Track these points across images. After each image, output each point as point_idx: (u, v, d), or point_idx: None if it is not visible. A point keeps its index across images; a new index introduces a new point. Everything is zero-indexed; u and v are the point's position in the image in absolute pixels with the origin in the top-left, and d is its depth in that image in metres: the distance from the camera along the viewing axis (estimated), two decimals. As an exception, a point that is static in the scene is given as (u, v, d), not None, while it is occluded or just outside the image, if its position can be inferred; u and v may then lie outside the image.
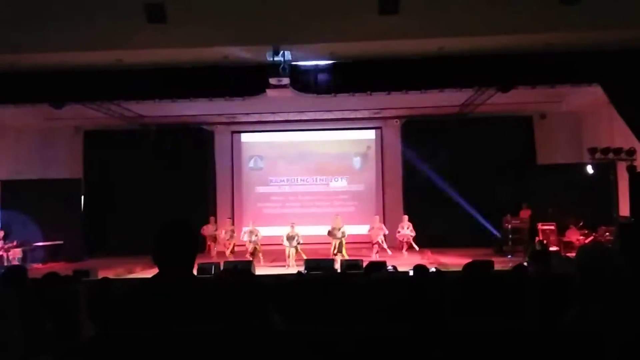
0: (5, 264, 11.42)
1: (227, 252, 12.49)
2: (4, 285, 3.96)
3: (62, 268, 10.45)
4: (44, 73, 9.50)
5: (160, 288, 2.02)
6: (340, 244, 11.99)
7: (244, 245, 12.54)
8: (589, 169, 11.66)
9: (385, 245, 12.67)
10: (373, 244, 12.66)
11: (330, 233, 12.16)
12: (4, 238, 12.39)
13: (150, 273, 2.24)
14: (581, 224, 12.03)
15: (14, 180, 13.87)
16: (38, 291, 3.82)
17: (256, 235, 12.38)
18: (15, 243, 12.40)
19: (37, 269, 11.08)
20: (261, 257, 12.25)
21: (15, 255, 12.09)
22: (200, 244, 6.45)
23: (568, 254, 10.36)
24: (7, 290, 3.65)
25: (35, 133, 15.06)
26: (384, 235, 12.72)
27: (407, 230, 12.86)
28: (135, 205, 14.45)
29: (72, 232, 13.65)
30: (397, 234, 12.96)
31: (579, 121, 14.41)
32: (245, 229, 12.77)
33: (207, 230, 13.32)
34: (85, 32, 8.31)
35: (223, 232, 13.02)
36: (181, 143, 14.83)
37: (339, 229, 12.11)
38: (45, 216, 13.09)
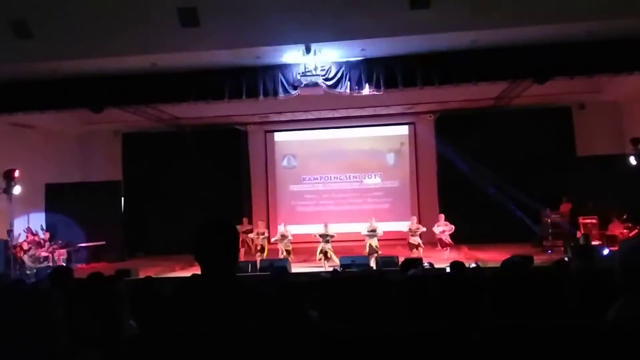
0: (51, 264, 11.81)
1: (256, 253, 12.15)
2: (51, 284, 4.10)
3: (104, 268, 10.74)
4: (83, 79, 9.81)
5: (204, 286, 2.05)
6: (373, 246, 11.64)
7: (276, 244, 12.39)
8: (632, 160, 11.33)
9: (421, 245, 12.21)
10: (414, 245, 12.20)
11: (368, 234, 11.83)
12: (50, 239, 12.81)
13: (189, 272, 2.28)
14: (624, 217, 11.71)
15: (57, 184, 14.34)
16: (83, 290, 3.94)
17: (288, 237, 12.14)
18: (60, 244, 12.80)
19: (81, 269, 11.41)
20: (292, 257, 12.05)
21: (60, 256, 12.49)
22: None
23: (611, 248, 10.07)
24: (54, 289, 3.79)
25: (76, 138, 15.54)
26: (422, 234, 12.27)
27: (442, 227, 12.42)
28: (173, 205, 14.73)
29: (113, 233, 14.02)
30: (436, 233, 12.50)
31: (619, 111, 13.99)
32: (278, 231, 12.52)
33: (242, 229, 13.31)
34: (121, 38, 8.54)
35: (256, 232, 12.89)
36: (216, 143, 15.03)
37: (374, 230, 11.80)
38: (87, 218, 13.50)
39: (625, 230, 11.43)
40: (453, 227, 12.40)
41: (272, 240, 12.47)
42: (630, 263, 1.99)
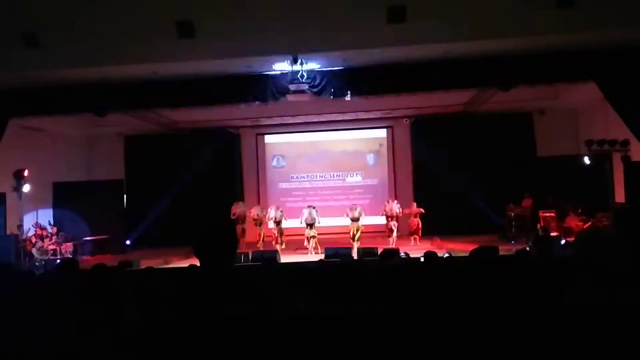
0: (59, 256, 11.67)
1: (276, 244, 12.17)
2: (59, 275, 4.05)
3: (108, 260, 10.63)
4: (88, 86, 9.69)
5: (202, 277, 2.04)
6: (358, 230, 11.97)
7: (272, 236, 12.49)
8: (586, 160, 11.47)
9: (394, 234, 12.44)
10: (389, 219, 12.44)
11: (351, 220, 12.12)
12: (57, 234, 12.65)
13: (186, 263, 2.25)
14: (580, 210, 11.86)
15: (64, 182, 14.15)
16: (88, 280, 3.90)
17: (281, 212, 12.32)
18: (67, 238, 12.65)
19: (87, 260, 11.29)
20: (283, 241, 12.25)
21: (67, 249, 12.34)
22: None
23: (568, 239, 10.21)
24: (61, 279, 3.74)
25: (82, 139, 15.35)
26: (397, 218, 12.48)
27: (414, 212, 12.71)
28: (171, 202, 14.61)
29: (116, 227, 13.88)
30: (406, 215, 12.73)
31: (575, 116, 14.18)
32: (270, 211, 12.65)
33: (237, 208, 13.13)
34: (123, 48, 8.44)
35: (253, 210, 12.95)
36: (211, 145, 14.95)
37: (358, 217, 12.10)
38: (92, 214, 13.34)
39: (580, 223, 11.58)
40: (422, 210, 12.72)
41: (267, 218, 12.55)
42: (583, 252, 2.03)
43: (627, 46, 8.54)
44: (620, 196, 10.53)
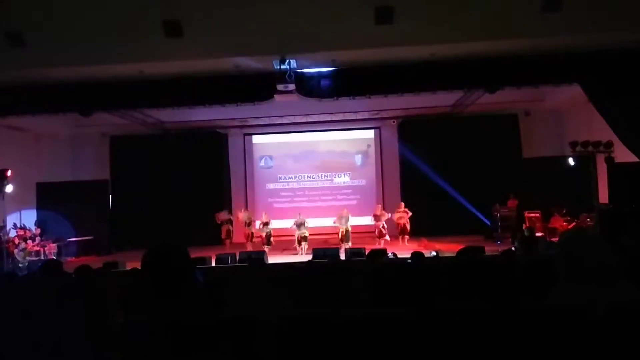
0: (43, 258, 11.51)
1: (263, 245, 12.27)
2: (43, 276, 4.00)
3: (93, 261, 10.51)
4: (73, 85, 9.57)
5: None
6: (347, 231, 12.08)
7: (260, 237, 12.58)
8: (571, 161, 11.62)
9: (385, 232, 12.65)
10: (379, 229, 12.62)
11: (337, 221, 12.32)
12: (41, 235, 12.47)
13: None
14: (564, 211, 12.00)
15: (48, 183, 13.97)
16: (72, 281, 3.85)
17: (268, 224, 12.45)
18: (51, 239, 12.48)
19: (71, 262, 11.14)
20: (272, 242, 12.37)
21: (51, 250, 12.17)
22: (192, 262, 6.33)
23: (552, 239, 10.33)
24: (45, 281, 3.69)
25: (66, 139, 15.14)
26: (386, 221, 12.71)
27: (401, 214, 12.86)
28: (157, 203, 14.49)
29: (101, 228, 13.74)
30: (395, 218, 12.89)
31: (560, 117, 14.34)
32: (258, 221, 12.89)
33: (221, 216, 13.35)
34: (110, 47, 8.35)
35: (241, 214, 13.07)
36: (198, 145, 14.87)
37: (345, 218, 12.27)
38: (76, 214, 13.19)
39: (564, 223, 11.72)
40: (410, 213, 12.85)
41: (256, 227, 12.61)
42: (568, 252, 2.05)
43: (610, 49, 8.67)
44: (604, 197, 10.68)
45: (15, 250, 11.57)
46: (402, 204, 13.25)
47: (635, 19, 7.89)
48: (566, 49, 8.75)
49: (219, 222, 13.34)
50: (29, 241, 11.98)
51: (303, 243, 11.89)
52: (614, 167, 10.25)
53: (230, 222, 13.44)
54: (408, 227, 12.82)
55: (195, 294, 1.90)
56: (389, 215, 12.74)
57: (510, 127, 14.72)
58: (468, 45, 8.49)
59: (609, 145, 10.39)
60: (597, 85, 9.29)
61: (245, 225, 12.93)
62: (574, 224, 11.48)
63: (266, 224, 12.48)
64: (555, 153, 13.11)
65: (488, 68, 9.26)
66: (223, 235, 13.41)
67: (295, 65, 8.99)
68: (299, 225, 12.12)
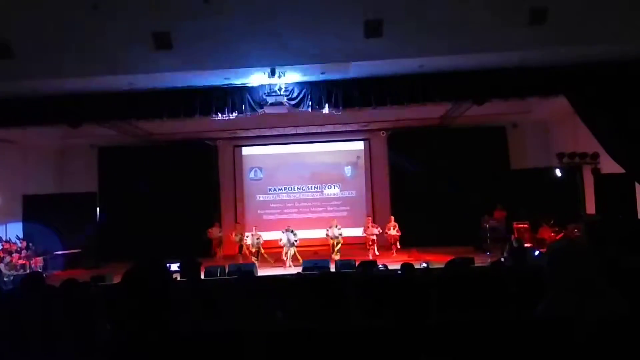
0: (29, 271, 11.31)
1: (251, 257, 12.30)
2: (23, 290, 3.92)
3: (80, 274, 10.37)
4: (62, 97, 9.49)
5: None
6: (338, 243, 12.14)
7: (250, 250, 12.54)
8: (558, 173, 11.73)
9: (375, 246, 12.72)
10: (369, 243, 12.70)
11: (327, 234, 12.42)
12: (27, 248, 12.28)
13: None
14: (552, 222, 12.08)
15: (34, 195, 13.79)
16: (58, 295, 3.78)
17: (258, 239, 12.42)
18: (37, 252, 12.29)
19: (57, 275, 10.99)
20: (266, 256, 12.37)
21: (37, 263, 11.98)
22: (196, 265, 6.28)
23: (541, 250, 10.39)
24: (26, 295, 3.62)
25: (54, 151, 15.00)
26: (377, 235, 12.80)
27: (393, 231, 12.98)
28: (146, 215, 14.36)
29: (88, 241, 13.57)
30: (385, 234, 13.02)
31: (547, 129, 14.51)
32: (248, 234, 12.83)
33: (213, 233, 13.44)
34: (99, 59, 8.31)
35: (233, 234, 13.05)
36: (187, 157, 14.81)
37: (336, 232, 12.34)
38: (64, 227, 13.03)
39: (552, 234, 11.79)
40: (400, 233, 13.05)
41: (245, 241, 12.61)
42: (556, 263, 2.07)
43: (596, 62, 8.81)
44: (590, 207, 10.80)
45: (1, 265, 11.37)
46: (392, 217, 13.28)
47: (618, 31, 8.04)
48: (552, 62, 8.88)
49: (210, 238, 13.46)
50: (15, 254, 11.78)
51: (290, 252, 11.93)
52: (600, 178, 10.38)
53: (220, 240, 13.53)
54: (398, 239, 12.97)
55: (175, 310, 1.86)
56: (379, 230, 12.82)
57: (498, 139, 14.87)
58: (456, 58, 8.57)
59: (595, 156, 10.52)
60: (582, 97, 9.42)
61: (237, 242, 12.91)
62: (561, 234, 11.55)
63: (254, 236, 12.46)
64: (543, 164, 13.23)
65: (476, 80, 9.35)
66: (214, 247, 13.47)
67: (285, 78, 9.02)
68: (287, 239, 12.11)
